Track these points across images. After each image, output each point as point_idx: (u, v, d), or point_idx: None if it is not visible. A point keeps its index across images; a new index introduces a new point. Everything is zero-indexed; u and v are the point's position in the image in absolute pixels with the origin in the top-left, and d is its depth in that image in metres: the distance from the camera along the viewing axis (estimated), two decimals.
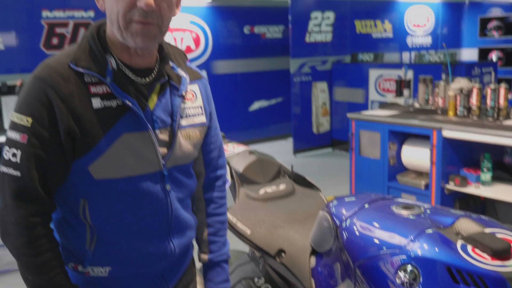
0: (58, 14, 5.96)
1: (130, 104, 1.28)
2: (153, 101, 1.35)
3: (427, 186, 4.17)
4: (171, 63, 1.43)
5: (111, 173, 1.28)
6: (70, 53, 1.29)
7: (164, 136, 1.36)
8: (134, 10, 1.24)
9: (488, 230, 1.53)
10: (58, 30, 5.98)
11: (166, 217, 1.39)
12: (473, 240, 1.46)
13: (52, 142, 1.23)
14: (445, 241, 1.49)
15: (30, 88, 1.25)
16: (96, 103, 1.26)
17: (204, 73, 1.60)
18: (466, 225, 1.56)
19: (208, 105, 1.52)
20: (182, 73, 1.44)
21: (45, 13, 5.89)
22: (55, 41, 5.96)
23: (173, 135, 1.38)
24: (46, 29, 5.91)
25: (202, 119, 1.48)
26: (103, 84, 1.28)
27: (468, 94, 4.15)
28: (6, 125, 5.40)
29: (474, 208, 4.16)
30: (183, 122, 1.42)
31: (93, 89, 1.27)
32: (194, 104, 1.47)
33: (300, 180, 2.47)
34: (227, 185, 2.47)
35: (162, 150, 1.35)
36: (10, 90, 5.40)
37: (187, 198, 1.49)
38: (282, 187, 2.35)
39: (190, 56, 7.55)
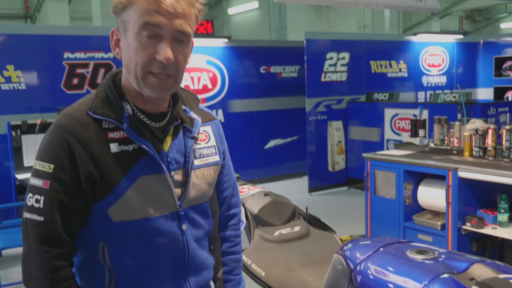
0: (79, 55, 6.14)
1: (146, 148, 1.34)
2: (167, 143, 1.41)
3: (443, 227, 4.14)
4: (183, 107, 1.49)
5: (129, 215, 1.33)
6: (88, 102, 1.35)
7: (179, 176, 1.41)
8: (153, 63, 1.30)
9: (502, 276, 1.53)
10: (79, 70, 6.14)
11: (183, 257, 1.42)
12: (487, 286, 1.46)
13: (74, 186, 1.28)
14: (459, 287, 1.49)
15: (51, 136, 1.31)
16: (114, 147, 1.32)
17: (215, 114, 1.65)
18: (481, 270, 1.56)
19: (221, 145, 1.57)
20: (194, 115, 1.50)
21: (67, 55, 6.07)
22: (75, 81, 6.11)
23: (186, 176, 1.42)
24: (67, 69, 6.08)
25: (216, 158, 1.53)
26: (120, 129, 1.34)
27: (484, 135, 4.16)
28: (26, 163, 5.51)
29: (491, 249, 4.10)
30: (198, 162, 1.47)
31: (110, 135, 1.33)
32: (208, 144, 1.52)
33: (315, 222, 2.49)
34: (242, 226, 2.49)
35: (177, 191, 1.40)
36: (30, 129, 5.55)
37: (204, 237, 1.52)
38: (296, 229, 2.37)
39: (207, 95, 7.67)
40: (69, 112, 1.33)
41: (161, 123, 1.41)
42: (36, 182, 1.29)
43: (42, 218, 1.27)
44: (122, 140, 1.34)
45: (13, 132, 5.47)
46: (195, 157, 1.46)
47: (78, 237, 1.35)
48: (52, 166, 1.28)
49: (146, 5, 1.27)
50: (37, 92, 5.93)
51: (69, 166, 1.28)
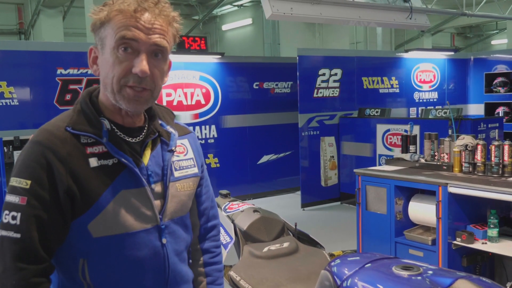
0: (73, 71, 6.17)
1: (126, 161, 1.35)
2: (146, 157, 1.43)
3: (434, 242, 4.15)
4: (159, 121, 1.51)
5: (109, 230, 1.32)
6: (65, 118, 1.36)
7: (158, 189, 1.43)
8: (129, 76, 1.31)
9: None
10: (72, 86, 6.17)
11: (163, 271, 1.42)
12: None
13: (52, 202, 1.27)
14: None
15: (28, 152, 1.31)
16: (93, 162, 1.32)
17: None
18: (465, 286, 1.58)
19: (199, 157, 1.59)
20: (171, 129, 1.52)
21: (60, 71, 6.10)
22: (68, 97, 6.14)
23: (165, 188, 1.44)
24: (60, 85, 6.10)
25: (195, 170, 1.55)
26: (99, 144, 1.35)
27: (473, 151, 4.20)
28: None
29: (482, 264, 4.12)
30: (177, 174, 1.48)
31: (89, 149, 1.33)
32: (186, 157, 1.54)
33: (304, 238, 2.50)
34: (231, 243, 2.50)
35: (157, 203, 1.41)
36: (22, 145, 5.53)
37: (184, 251, 1.53)
38: (285, 245, 2.38)
39: (200, 111, 7.70)
40: (47, 128, 1.34)
41: (139, 137, 1.43)
42: (13, 198, 1.27)
43: (19, 235, 1.24)
44: (101, 154, 1.34)
45: (5, 148, 5.47)
46: (175, 169, 1.48)
47: (55, 257, 1.33)
48: (29, 182, 1.26)
49: (124, 20, 1.30)
50: (30, 108, 5.94)
51: (47, 181, 1.27)
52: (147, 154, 1.43)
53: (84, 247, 1.33)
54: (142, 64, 1.30)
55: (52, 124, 1.35)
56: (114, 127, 1.39)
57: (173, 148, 1.49)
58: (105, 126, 1.36)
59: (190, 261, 1.62)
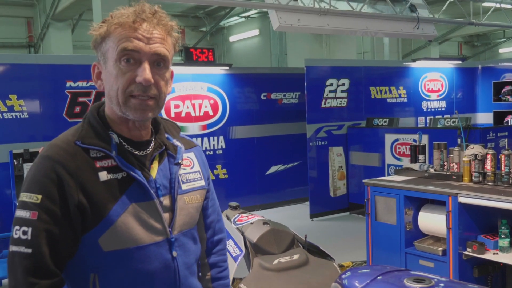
0: (82, 84, 6.21)
1: (135, 175, 1.36)
2: (154, 170, 1.44)
3: (444, 252, 4.12)
4: (166, 135, 1.52)
5: (120, 244, 1.33)
6: (75, 133, 1.37)
7: (167, 202, 1.43)
8: (133, 86, 1.33)
9: None
10: (81, 99, 6.21)
11: (174, 284, 1.43)
12: None
13: (63, 216, 1.28)
14: None
15: (38, 167, 1.32)
16: (103, 176, 1.33)
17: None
18: None
19: (205, 170, 1.60)
20: (177, 143, 1.53)
21: (69, 83, 6.15)
22: (77, 109, 6.18)
23: (173, 201, 1.44)
24: (69, 98, 6.14)
25: (202, 183, 1.56)
26: (108, 158, 1.36)
27: (483, 160, 4.17)
28: None
29: (494, 274, 4.08)
30: (185, 186, 1.50)
31: (99, 163, 1.34)
32: (193, 170, 1.55)
33: (314, 249, 2.49)
34: (241, 255, 2.50)
35: (166, 216, 1.42)
36: (32, 157, 5.57)
37: (194, 264, 1.53)
38: (295, 257, 2.37)
39: (208, 122, 7.71)
40: (56, 143, 1.35)
41: (146, 151, 1.44)
42: (23, 213, 1.27)
43: (30, 250, 1.24)
44: (111, 168, 1.35)
45: (15, 161, 5.50)
46: (183, 182, 1.49)
47: (65, 272, 1.33)
48: (39, 196, 1.27)
49: (123, 32, 1.32)
50: (39, 121, 5.99)
51: (58, 196, 1.28)
52: (155, 167, 1.44)
53: (94, 261, 1.33)
54: (145, 73, 1.32)
55: (61, 139, 1.37)
56: (122, 141, 1.40)
57: (179, 161, 1.50)
58: (114, 140, 1.37)
59: (200, 274, 1.63)
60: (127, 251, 1.34)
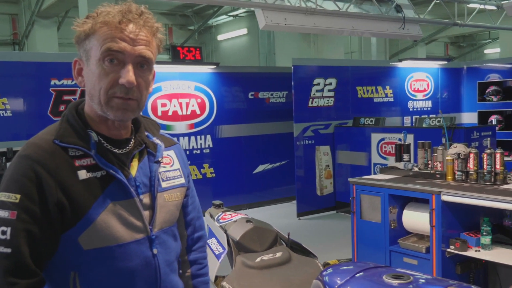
0: (67, 82, 6.18)
1: (115, 173, 1.36)
2: (134, 168, 1.44)
3: (428, 250, 4.16)
4: (146, 133, 1.52)
5: (100, 242, 1.33)
6: (53, 132, 1.37)
7: (147, 200, 1.44)
8: (116, 87, 1.33)
9: None
10: (66, 97, 6.17)
11: (154, 281, 1.43)
12: None
13: (42, 216, 1.27)
14: None
15: (16, 166, 1.30)
16: (82, 174, 1.33)
17: (177, 140, 1.69)
18: None
19: (185, 168, 1.61)
20: (157, 141, 1.53)
21: (54, 81, 6.11)
22: (62, 108, 6.14)
23: (153, 199, 1.45)
24: (54, 96, 6.10)
25: (182, 180, 1.57)
26: (87, 156, 1.35)
27: (466, 159, 4.22)
28: None
29: (476, 271, 4.13)
30: (165, 184, 1.50)
31: (78, 162, 1.34)
32: (173, 168, 1.56)
33: (296, 247, 2.51)
34: (224, 253, 2.51)
35: (146, 213, 1.42)
36: None
37: (174, 261, 1.54)
38: (278, 255, 2.39)
39: (195, 121, 7.70)
40: (34, 142, 1.34)
41: (126, 149, 1.44)
42: (2, 213, 1.25)
43: (9, 250, 1.23)
44: (90, 167, 1.35)
45: None
46: (163, 180, 1.50)
47: (45, 271, 1.32)
48: (18, 196, 1.26)
49: (109, 32, 1.31)
50: (23, 119, 5.94)
51: (37, 195, 1.27)
52: (135, 165, 1.45)
53: (75, 260, 1.33)
54: (129, 75, 1.32)
55: (40, 137, 1.36)
56: (101, 139, 1.40)
57: (159, 159, 1.50)
58: (93, 138, 1.37)
59: (181, 271, 1.63)
60: (107, 249, 1.34)
